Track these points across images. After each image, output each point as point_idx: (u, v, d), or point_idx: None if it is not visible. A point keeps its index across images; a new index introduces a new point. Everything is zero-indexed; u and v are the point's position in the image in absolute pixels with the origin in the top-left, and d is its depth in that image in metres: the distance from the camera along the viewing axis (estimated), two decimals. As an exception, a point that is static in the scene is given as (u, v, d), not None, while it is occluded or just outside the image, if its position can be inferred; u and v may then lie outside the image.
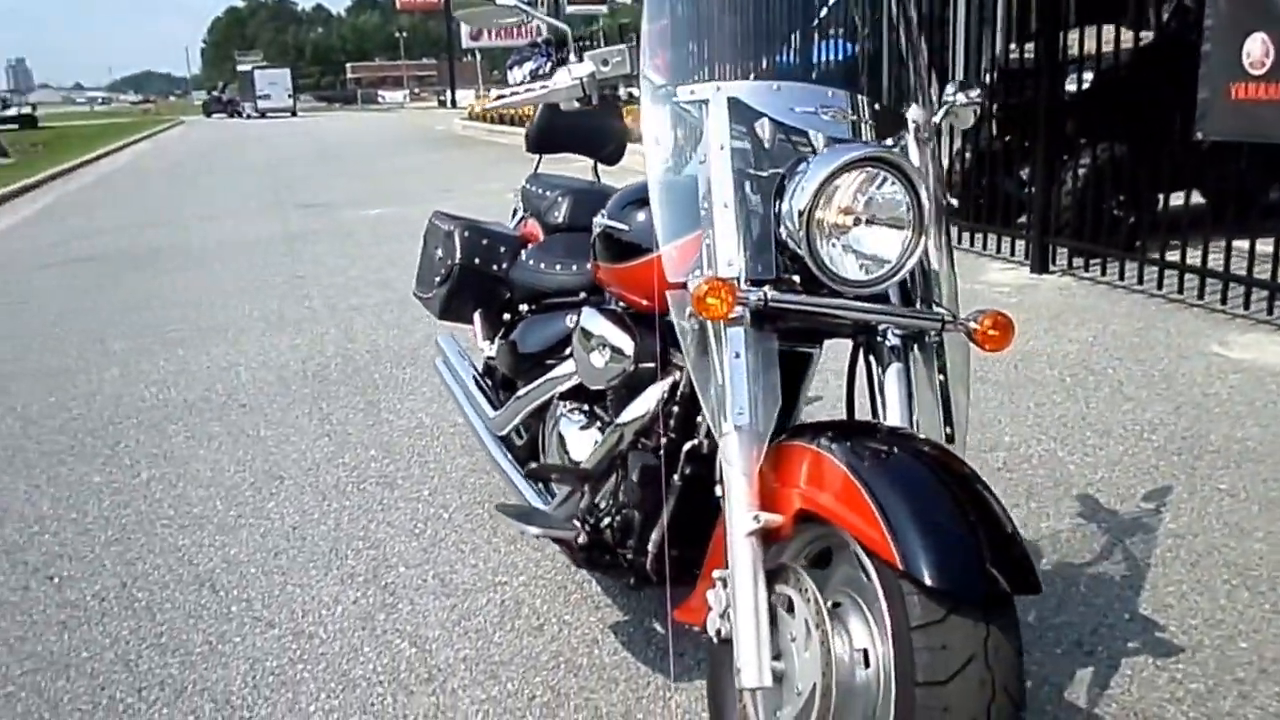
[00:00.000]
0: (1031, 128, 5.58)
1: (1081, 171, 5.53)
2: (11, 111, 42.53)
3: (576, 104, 1.98)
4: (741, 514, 1.55)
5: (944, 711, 1.31)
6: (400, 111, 52.01)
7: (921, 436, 1.65)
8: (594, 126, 2.78)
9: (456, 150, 18.51)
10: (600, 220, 2.07)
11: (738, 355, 1.61)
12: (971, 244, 6.36)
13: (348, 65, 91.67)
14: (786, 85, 1.77)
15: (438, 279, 2.89)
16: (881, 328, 1.73)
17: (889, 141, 1.81)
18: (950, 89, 2.07)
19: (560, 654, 2.27)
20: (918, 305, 1.75)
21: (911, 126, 1.82)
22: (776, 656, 1.57)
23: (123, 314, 6.03)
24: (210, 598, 2.62)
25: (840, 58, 1.91)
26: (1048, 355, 4.22)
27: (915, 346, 1.74)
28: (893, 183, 1.63)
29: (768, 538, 1.57)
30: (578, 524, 2.08)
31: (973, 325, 1.67)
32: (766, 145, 1.77)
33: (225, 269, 7.29)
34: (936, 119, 1.95)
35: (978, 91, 2.08)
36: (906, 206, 1.64)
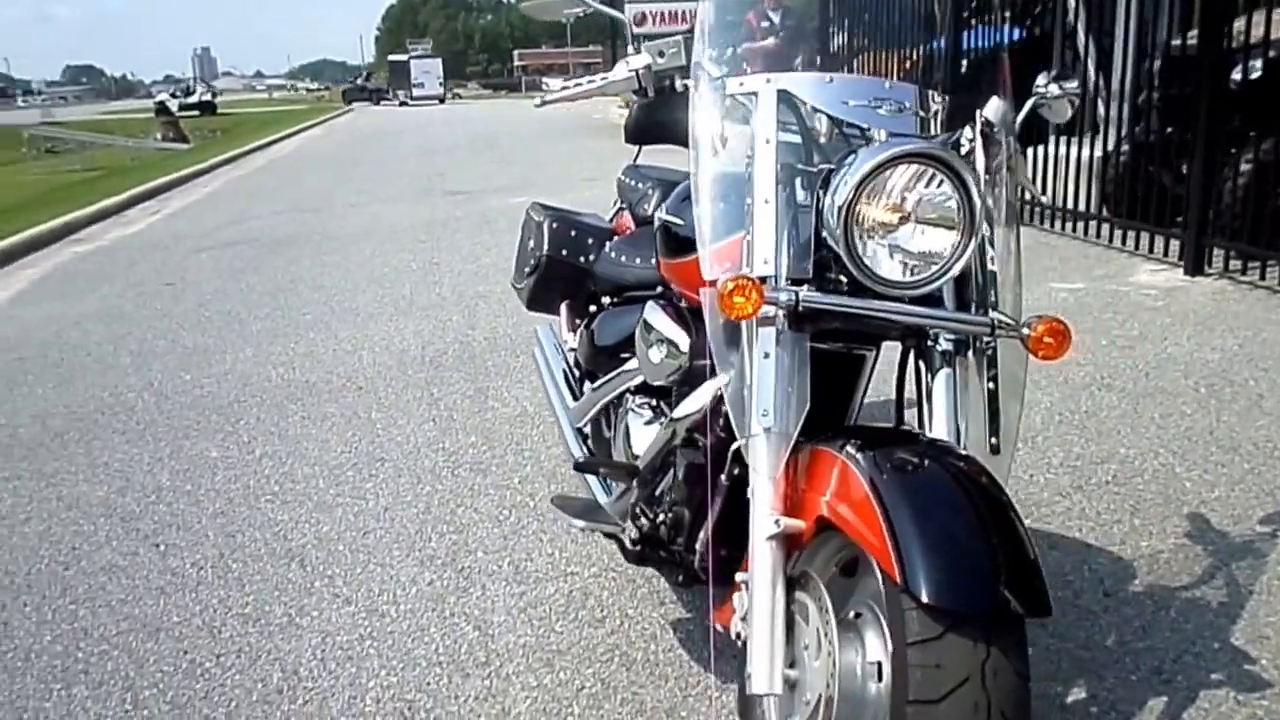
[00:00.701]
0: (1193, 120, 5.28)
1: (1246, 168, 5.18)
2: (193, 99, 45.56)
3: (634, 95, 2.03)
4: (763, 517, 1.56)
5: None
6: (562, 98, 53.14)
7: (958, 448, 1.62)
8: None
9: (607, 139, 18.71)
10: (659, 214, 2.10)
11: (766, 355, 1.62)
12: (1123, 243, 6.06)
13: (515, 52, 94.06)
14: (840, 77, 1.76)
15: (527, 269, 2.99)
16: (933, 332, 1.71)
17: (958, 136, 1.78)
18: (1042, 80, 2.02)
19: (617, 647, 2.32)
20: (973, 310, 1.71)
21: (979, 120, 1.78)
22: (792, 664, 1.58)
23: (265, 297, 6.42)
24: (297, 572, 2.80)
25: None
26: (1185, 363, 4.00)
27: (968, 352, 1.70)
28: (941, 181, 1.61)
29: (792, 543, 1.58)
30: (629, 520, 2.12)
31: (1026, 332, 1.63)
32: (819, 140, 1.78)
33: (366, 254, 7.65)
34: (1022, 112, 1.92)
35: (1075, 83, 2.03)
36: (956, 206, 1.61)
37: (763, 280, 1.63)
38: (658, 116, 2.89)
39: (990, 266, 1.73)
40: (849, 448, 1.55)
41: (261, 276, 7.12)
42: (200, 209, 11.83)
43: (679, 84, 2.00)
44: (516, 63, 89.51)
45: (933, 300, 1.70)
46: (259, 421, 4.06)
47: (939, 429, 1.66)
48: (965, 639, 1.31)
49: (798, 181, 1.70)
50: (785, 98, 1.73)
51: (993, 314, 1.68)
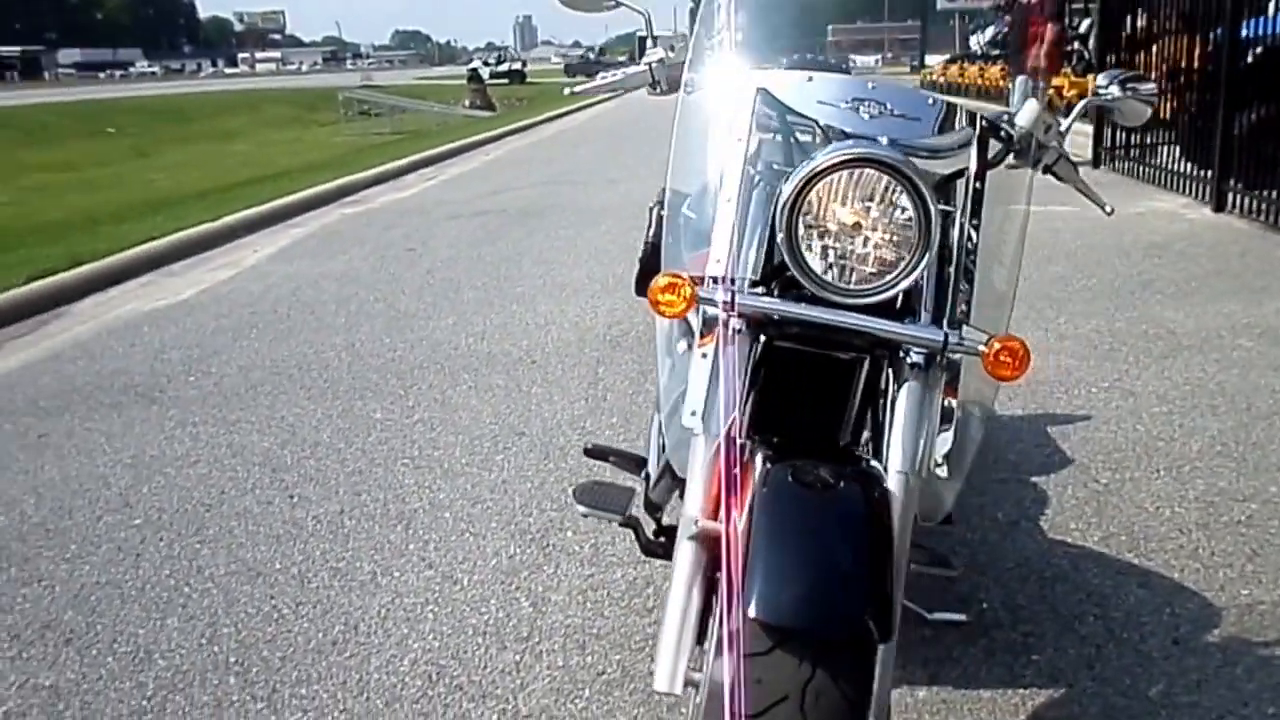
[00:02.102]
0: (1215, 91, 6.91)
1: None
2: (504, 67, 48.59)
3: (649, 88, 2.11)
4: (685, 517, 1.62)
5: None
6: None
7: (877, 470, 1.63)
8: None
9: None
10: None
11: (705, 355, 1.66)
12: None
13: (829, 27, 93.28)
14: (822, 76, 1.77)
15: (639, 255, 3.09)
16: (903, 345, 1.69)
17: (949, 141, 1.76)
18: (1103, 80, 1.95)
19: (652, 638, 2.40)
20: (943, 325, 1.66)
21: (980, 126, 1.74)
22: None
23: (489, 267, 6.87)
24: (399, 534, 3.06)
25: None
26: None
27: (932, 369, 1.67)
28: (893, 188, 1.59)
29: (717, 545, 1.62)
30: (646, 512, 2.19)
31: (982, 349, 1.59)
32: (797, 140, 1.80)
33: (600, 231, 7.99)
34: (1072, 116, 1.87)
35: (1151, 86, 1.96)
36: (907, 216, 1.59)
37: (717, 280, 1.67)
38: None
39: (953, 279, 1.69)
40: (767, 460, 1.58)
41: (495, 247, 7.60)
42: (471, 177, 12.70)
43: (692, 77, 2.05)
44: (830, 38, 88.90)
45: (894, 311, 1.68)
46: (429, 388, 4.41)
47: (893, 445, 1.64)
48: (791, 657, 1.32)
49: (766, 182, 1.73)
50: (768, 97, 1.75)
51: (949, 330, 1.63)
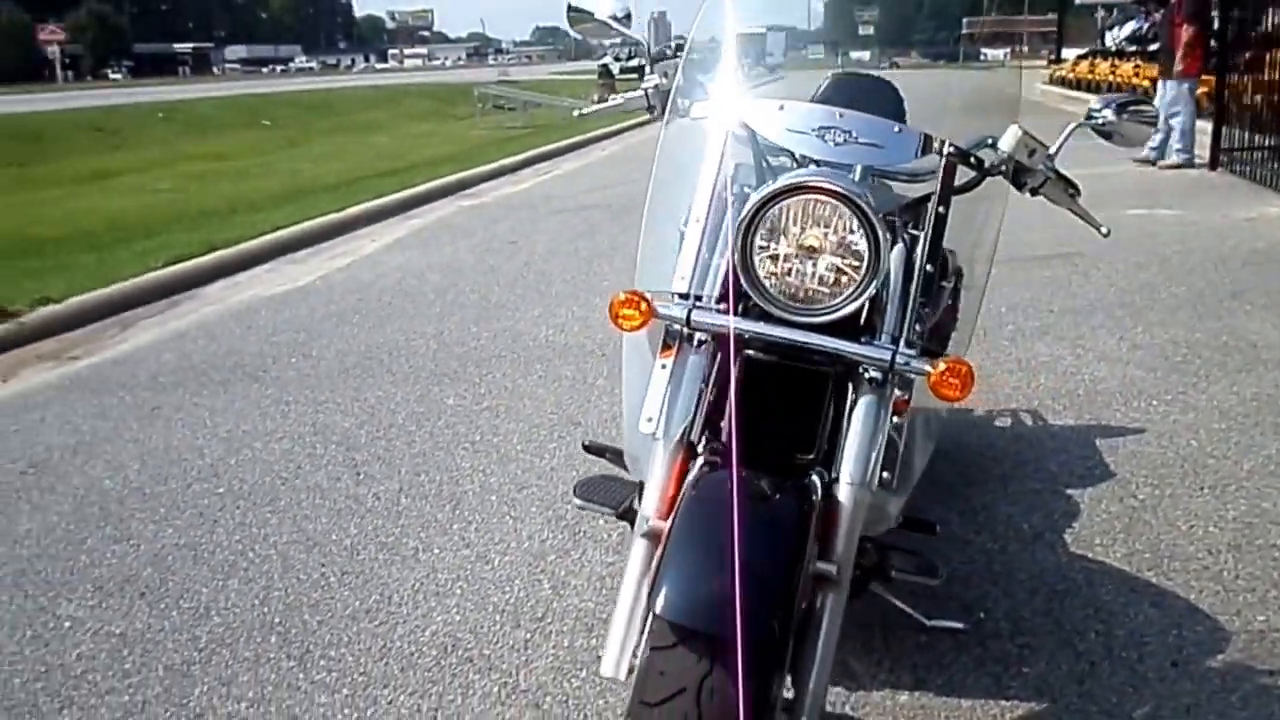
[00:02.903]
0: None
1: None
2: (634, 62, 48.76)
3: (646, 112, 2.20)
4: (640, 516, 1.71)
5: None
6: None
7: (811, 482, 1.69)
8: (870, 110, 2.86)
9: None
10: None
11: (664, 367, 1.75)
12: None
13: (964, 20, 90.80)
14: (793, 105, 1.84)
15: None
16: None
17: (921, 166, 1.81)
18: (1097, 103, 1.98)
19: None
20: (899, 344, 1.71)
21: (946, 151, 1.78)
22: None
23: (582, 262, 7.01)
24: (447, 514, 3.20)
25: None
26: None
27: (887, 386, 1.72)
28: (842, 214, 1.65)
29: None
30: (636, 506, 2.27)
31: (928, 369, 1.63)
32: (769, 165, 1.88)
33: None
34: (1061, 139, 1.91)
35: (1152, 109, 1.99)
36: (856, 240, 1.65)
37: (684, 296, 1.76)
38: None
39: (909, 302, 1.73)
40: (709, 466, 1.66)
41: (593, 241, 7.74)
42: (584, 172, 12.88)
43: (680, 103, 2.11)
44: (964, 30, 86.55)
45: (859, 328, 1.73)
46: (502, 376, 4.56)
47: (845, 458, 1.70)
48: (690, 654, 1.40)
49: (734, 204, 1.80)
50: (743, 124, 1.83)
51: (897, 349, 1.68)
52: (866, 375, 1.72)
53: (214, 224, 9.03)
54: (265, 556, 2.98)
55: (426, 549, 2.98)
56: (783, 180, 1.69)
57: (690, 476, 1.67)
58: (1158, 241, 6.54)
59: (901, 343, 1.71)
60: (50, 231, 9.41)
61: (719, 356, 1.83)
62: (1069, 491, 3.14)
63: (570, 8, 2.39)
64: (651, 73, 2.31)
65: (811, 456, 1.83)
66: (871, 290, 1.68)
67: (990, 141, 1.95)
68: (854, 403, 1.73)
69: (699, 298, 1.78)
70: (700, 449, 1.77)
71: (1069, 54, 26.66)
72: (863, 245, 1.66)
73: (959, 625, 2.37)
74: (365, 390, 4.47)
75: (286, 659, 2.45)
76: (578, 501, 2.35)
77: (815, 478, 1.70)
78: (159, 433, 4.07)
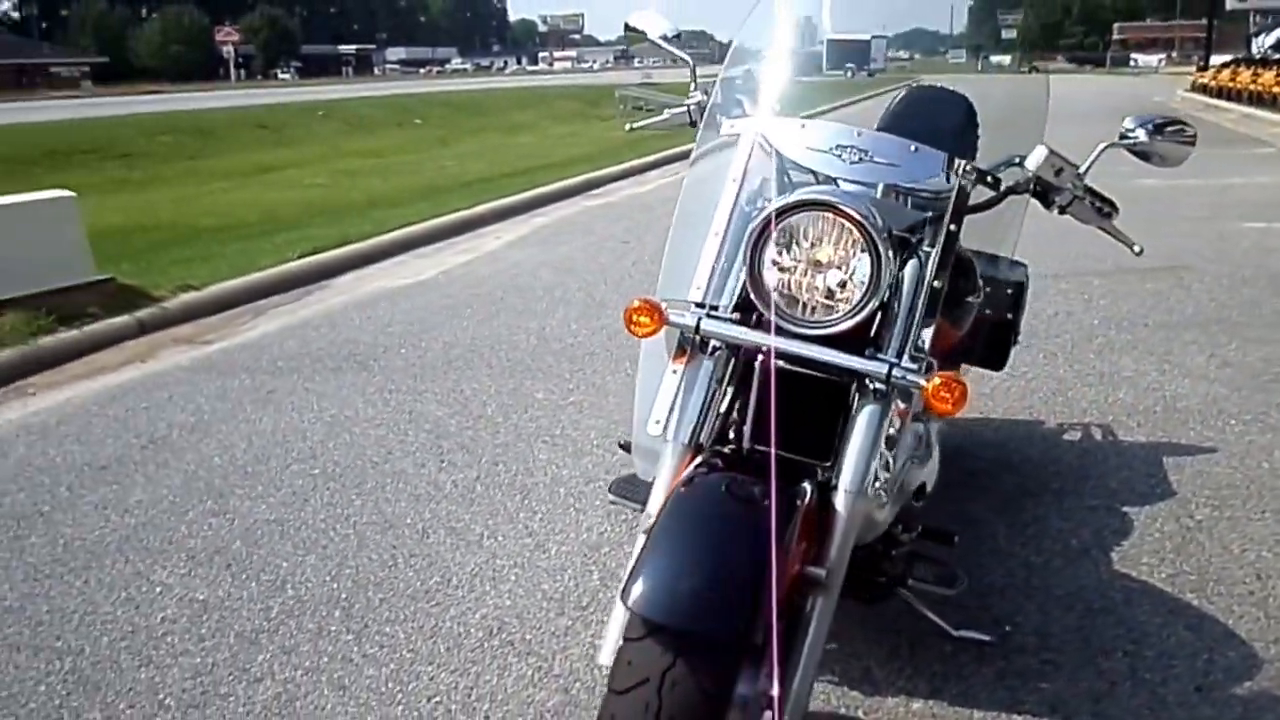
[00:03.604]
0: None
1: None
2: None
3: (690, 125, 2.25)
4: (645, 515, 1.76)
5: (612, 718, 1.43)
6: (1150, 76, 49.02)
7: (801, 488, 1.69)
8: (942, 123, 2.84)
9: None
10: None
11: (675, 372, 1.79)
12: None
13: (1115, 25, 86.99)
14: (814, 123, 1.86)
15: None
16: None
17: (938, 183, 1.81)
18: (1130, 123, 1.95)
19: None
20: (901, 359, 1.71)
21: (959, 170, 1.78)
22: None
23: (691, 261, 7.04)
24: (515, 503, 3.30)
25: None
26: None
27: (889, 397, 1.72)
28: (846, 231, 1.66)
29: None
30: None
31: (922, 383, 1.64)
32: (790, 181, 1.90)
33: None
34: (1091, 158, 1.90)
35: (1191, 130, 1.94)
36: (857, 257, 1.66)
37: (700, 305, 1.80)
38: (909, 123, 3.00)
39: (912, 317, 1.73)
40: (706, 468, 1.69)
41: (704, 242, 7.76)
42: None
43: (717, 118, 2.14)
44: (1115, 36, 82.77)
45: (869, 340, 1.74)
46: (592, 373, 4.64)
47: (844, 466, 1.71)
48: (657, 646, 1.43)
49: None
50: (766, 141, 1.86)
51: (896, 363, 1.68)
52: (871, 386, 1.72)
53: (352, 218, 9.39)
54: (344, 535, 3.13)
55: (491, 535, 3.07)
56: (791, 196, 1.71)
57: (682, 476, 1.70)
58: (1272, 257, 6.21)
59: (905, 357, 1.71)
60: (210, 222, 9.97)
61: (731, 362, 1.86)
62: (1125, 509, 3.04)
63: (627, 26, 2.46)
64: (695, 89, 2.36)
65: (829, 463, 1.84)
66: (872, 306, 1.69)
67: (1018, 160, 1.92)
68: (855, 413, 1.73)
69: (714, 307, 1.81)
70: (707, 450, 1.80)
71: (1218, 60, 25.53)
72: (864, 262, 1.67)
73: (985, 637, 2.33)
74: (463, 381, 4.61)
75: (346, 633, 2.58)
76: (611, 498, 2.41)
77: (807, 484, 1.71)
78: (269, 415, 4.29)
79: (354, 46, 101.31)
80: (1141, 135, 1.95)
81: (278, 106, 27.96)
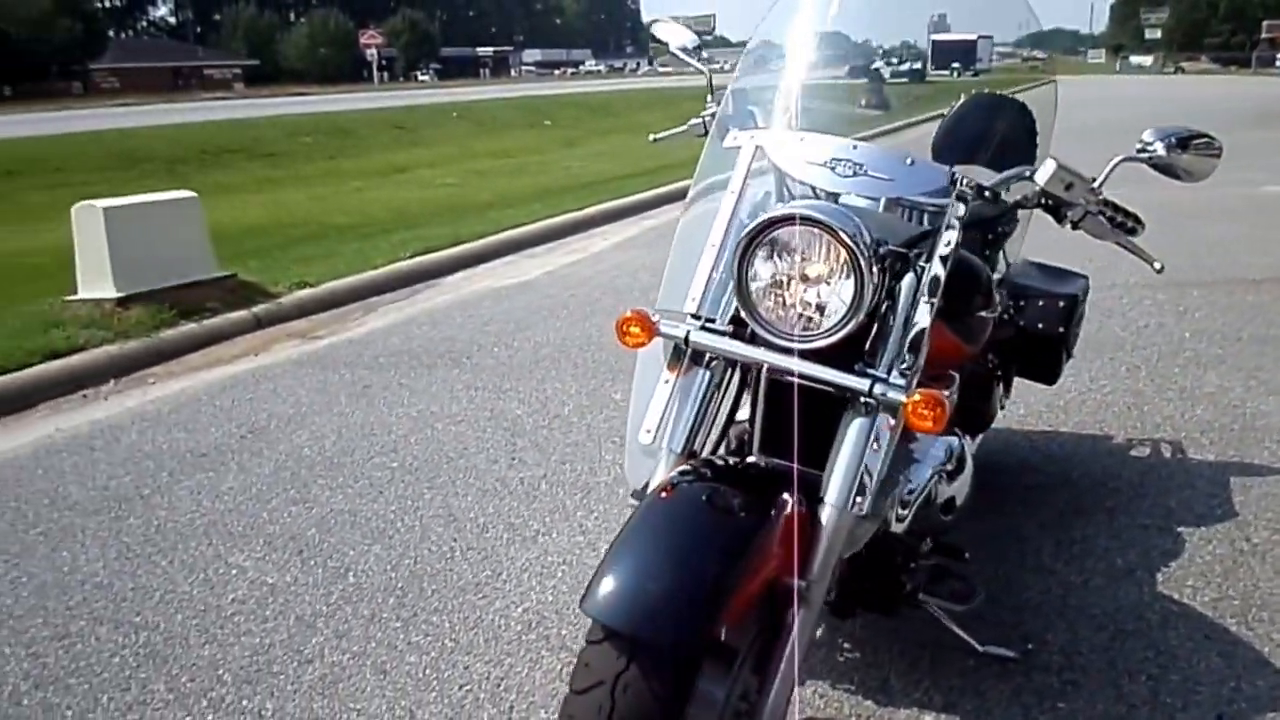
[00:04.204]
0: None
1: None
2: (905, 66, 46.82)
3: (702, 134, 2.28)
4: None
5: (569, 718, 1.49)
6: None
7: (786, 500, 1.70)
8: (1003, 134, 2.80)
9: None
10: None
11: (666, 382, 1.83)
12: None
13: (1264, 23, 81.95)
14: (812, 136, 1.87)
15: None
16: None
17: (933, 200, 1.81)
18: (1149, 135, 1.92)
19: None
20: (890, 373, 1.71)
21: (957, 185, 1.77)
22: None
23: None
24: (575, 502, 3.38)
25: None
26: None
27: (879, 413, 1.72)
28: (829, 246, 1.68)
29: None
30: None
31: (902, 400, 1.64)
32: (790, 193, 1.92)
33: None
34: (1105, 173, 1.88)
35: (1218, 142, 1.90)
36: (839, 271, 1.67)
37: (695, 317, 1.84)
38: (961, 134, 2.98)
39: (899, 333, 1.73)
40: (686, 476, 1.72)
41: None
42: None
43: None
44: (1263, 35, 77.97)
45: (862, 354, 1.75)
46: (673, 375, 4.68)
47: (831, 480, 1.72)
48: (613, 650, 1.47)
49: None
50: (760, 152, 1.88)
51: (879, 378, 1.68)
52: (862, 400, 1.73)
53: (472, 218, 9.64)
54: (409, 527, 3.26)
55: (546, 532, 3.16)
56: (778, 210, 1.73)
57: (663, 483, 1.73)
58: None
59: (893, 372, 1.70)
60: (341, 220, 10.42)
61: (728, 372, 1.89)
62: (1180, 529, 2.94)
63: (653, 37, 2.50)
64: (711, 100, 2.39)
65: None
66: (855, 322, 1.69)
67: (1028, 173, 1.90)
68: (843, 426, 1.74)
69: (710, 319, 1.84)
70: (697, 458, 1.83)
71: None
72: (847, 278, 1.68)
73: (1010, 654, 2.30)
74: (546, 381, 4.72)
75: (395, 620, 2.70)
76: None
77: (786, 495, 1.73)
78: (361, 409, 4.48)
79: (491, 49, 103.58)
80: (1159, 149, 1.89)
81: (415, 108, 28.82)
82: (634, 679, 1.48)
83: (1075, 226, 1.95)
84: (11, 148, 19.12)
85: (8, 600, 2.91)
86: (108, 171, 16.82)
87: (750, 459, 1.97)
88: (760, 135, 1.93)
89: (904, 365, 1.71)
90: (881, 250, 1.78)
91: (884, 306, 1.78)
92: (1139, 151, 1.93)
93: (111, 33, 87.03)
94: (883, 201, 1.87)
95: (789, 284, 1.73)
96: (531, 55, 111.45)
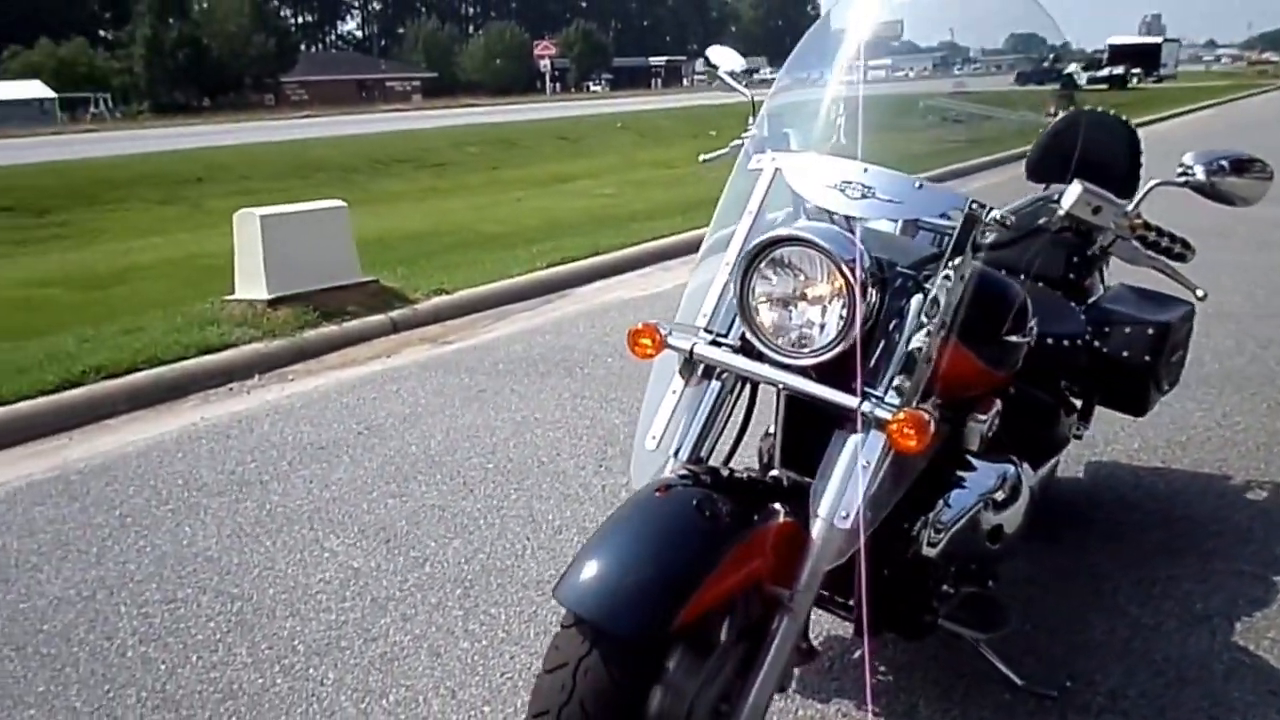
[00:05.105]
0: None
1: None
2: (1104, 72, 43.56)
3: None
4: None
5: (536, 695, 1.66)
6: None
7: (773, 512, 1.83)
8: (1101, 153, 2.82)
9: None
10: None
11: (674, 392, 1.98)
12: None
13: None
14: (826, 159, 1.98)
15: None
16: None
17: (940, 224, 1.89)
18: (1189, 158, 1.97)
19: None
20: (886, 392, 1.80)
21: (966, 212, 1.85)
22: None
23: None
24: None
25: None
26: None
27: (871, 429, 1.81)
28: (824, 267, 1.79)
29: None
30: None
31: (886, 418, 1.73)
32: (806, 214, 2.04)
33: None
34: (1139, 195, 1.93)
35: (1269, 168, 1.93)
36: (831, 291, 1.78)
37: (709, 330, 1.99)
38: (1058, 152, 3.03)
39: (890, 352, 1.81)
40: (688, 481, 1.85)
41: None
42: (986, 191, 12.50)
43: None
44: None
45: (823, 370, 1.85)
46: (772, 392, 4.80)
47: (823, 493, 1.82)
48: (578, 635, 1.64)
49: None
50: (782, 176, 2.01)
51: (869, 395, 1.77)
52: (855, 417, 1.83)
53: (614, 229, 9.91)
54: (490, 524, 3.50)
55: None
56: (780, 230, 1.86)
57: (654, 482, 1.87)
58: None
59: (889, 391, 1.79)
60: (495, 228, 10.91)
61: (740, 387, 2.03)
62: (1277, 579, 2.86)
63: (706, 60, 2.64)
64: (752, 123, 2.47)
65: None
66: (848, 340, 1.79)
67: (1055, 198, 1.96)
68: (835, 442, 1.85)
69: (723, 333, 1.98)
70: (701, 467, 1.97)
71: None
72: (841, 298, 1.78)
73: (1050, 692, 2.32)
74: (622, 391, 4.89)
75: (459, 609, 2.93)
76: None
77: (778, 505, 1.85)
78: (471, 412, 4.78)
79: (664, 58, 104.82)
80: (1200, 173, 1.92)
81: (581, 119, 29.54)
82: (595, 664, 1.63)
83: (1105, 251, 1.99)
84: (204, 156, 20.65)
85: (131, 566, 3.29)
86: (286, 180, 18.00)
87: (773, 471, 2.09)
88: (781, 158, 2.05)
89: (899, 385, 1.80)
90: (891, 272, 1.88)
91: (891, 325, 1.87)
92: (1178, 175, 1.96)
93: (302, 46, 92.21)
94: (900, 224, 1.97)
95: (789, 302, 1.85)
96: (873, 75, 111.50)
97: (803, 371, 1.86)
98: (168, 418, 5.01)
